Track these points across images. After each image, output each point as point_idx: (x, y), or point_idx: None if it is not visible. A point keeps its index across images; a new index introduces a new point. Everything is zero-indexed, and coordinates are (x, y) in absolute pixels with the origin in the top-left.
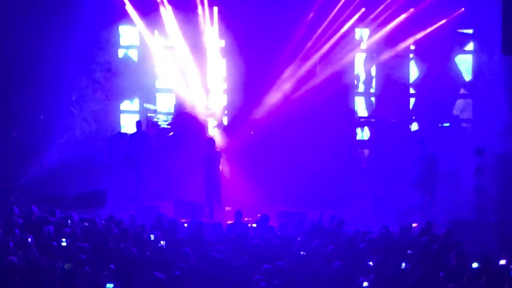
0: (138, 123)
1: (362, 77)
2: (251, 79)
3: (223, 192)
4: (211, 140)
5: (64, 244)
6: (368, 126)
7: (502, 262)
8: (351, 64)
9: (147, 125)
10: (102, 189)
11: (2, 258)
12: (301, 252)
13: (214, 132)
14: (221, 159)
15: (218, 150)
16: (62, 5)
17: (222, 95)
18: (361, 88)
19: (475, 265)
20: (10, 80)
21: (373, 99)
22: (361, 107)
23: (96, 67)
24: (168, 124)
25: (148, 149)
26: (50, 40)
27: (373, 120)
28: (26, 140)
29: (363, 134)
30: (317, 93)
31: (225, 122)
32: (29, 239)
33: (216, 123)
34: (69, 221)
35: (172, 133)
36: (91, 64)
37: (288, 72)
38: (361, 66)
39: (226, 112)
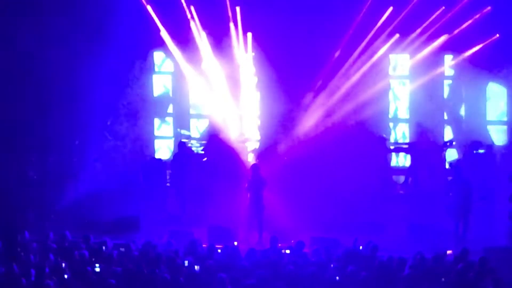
0: (181, 144)
1: (397, 103)
2: (284, 105)
3: (265, 218)
4: (256, 166)
5: (97, 269)
6: (403, 152)
7: None
8: (386, 90)
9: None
10: (136, 214)
11: (39, 283)
12: (336, 277)
13: (248, 158)
14: (266, 185)
15: (263, 176)
16: (98, 32)
17: (256, 121)
18: (395, 114)
19: None
20: (46, 106)
21: (408, 125)
22: (396, 133)
23: (131, 92)
24: (202, 150)
25: (183, 174)
26: (85, 66)
27: (407, 146)
28: (61, 166)
29: (398, 160)
30: (351, 119)
31: (259, 148)
32: (63, 264)
33: (250, 149)
34: (103, 247)
35: (206, 158)
36: (125, 89)
37: (322, 97)
38: (396, 92)
39: (259, 138)
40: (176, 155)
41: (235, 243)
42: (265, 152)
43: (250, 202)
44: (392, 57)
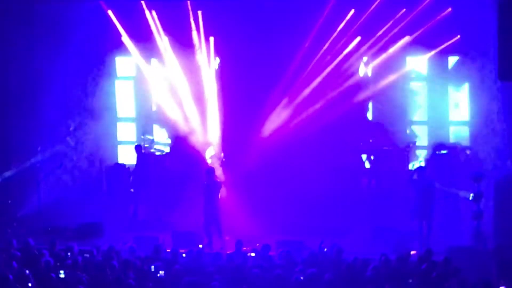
0: (137, 147)
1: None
2: (249, 108)
3: (222, 222)
4: (211, 170)
5: (62, 276)
6: (366, 154)
7: None
8: (349, 92)
9: (144, 155)
10: (99, 220)
11: None
12: (301, 277)
13: (211, 161)
14: (220, 189)
15: (217, 179)
16: (59, 37)
17: (220, 124)
18: (358, 115)
19: None
20: (7, 112)
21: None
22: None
23: (93, 97)
24: (165, 154)
25: (146, 179)
26: (47, 71)
27: (371, 148)
28: (24, 172)
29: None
30: (315, 122)
31: (223, 151)
32: (27, 272)
33: (213, 152)
34: (68, 253)
35: (169, 161)
36: (88, 95)
37: (285, 100)
38: (359, 93)
39: (223, 141)
40: (139, 160)
41: (200, 246)
42: (230, 156)
43: (205, 206)
44: (356, 59)
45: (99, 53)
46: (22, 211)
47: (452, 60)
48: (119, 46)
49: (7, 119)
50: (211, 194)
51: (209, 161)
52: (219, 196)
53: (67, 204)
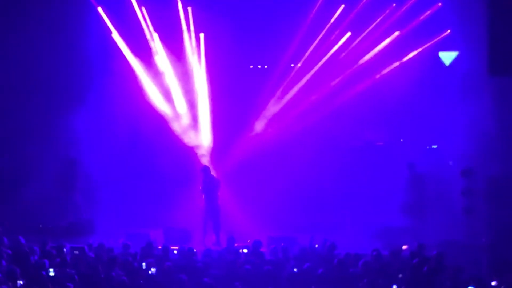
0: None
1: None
2: (239, 104)
3: (222, 219)
4: (206, 168)
5: (52, 273)
6: (358, 150)
7: (494, 283)
8: (339, 88)
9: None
10: (91, 217)
11: None
12: (294, 269)
13: (202, 159)
14: (220, 186)
15: (216, 177)
16: (49, 33)
17: (211, 121)
18: (349, 111)
19: None
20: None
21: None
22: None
23: (84, 95)
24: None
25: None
26: (34, 66)
27: (361, 143)
28: (14, 170)
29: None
30: (306, 118)
31: (214, 149)
32: (17, 270)
33: (204, 150)
34: (64, 249)
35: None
36: (78, 92)
37: (276, 97)
38: (350, 89)
39: (214, 139)
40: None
41: (192, 242)
42: (220, 153)
43: (205, 204)
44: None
45: (88, 50)
46: (13, 209)
47: (442, 55)
48: (110, 42)
49: None
50: (211, 191)
51: (200, 159)
52: (219, 193)
53: (58, 202)
